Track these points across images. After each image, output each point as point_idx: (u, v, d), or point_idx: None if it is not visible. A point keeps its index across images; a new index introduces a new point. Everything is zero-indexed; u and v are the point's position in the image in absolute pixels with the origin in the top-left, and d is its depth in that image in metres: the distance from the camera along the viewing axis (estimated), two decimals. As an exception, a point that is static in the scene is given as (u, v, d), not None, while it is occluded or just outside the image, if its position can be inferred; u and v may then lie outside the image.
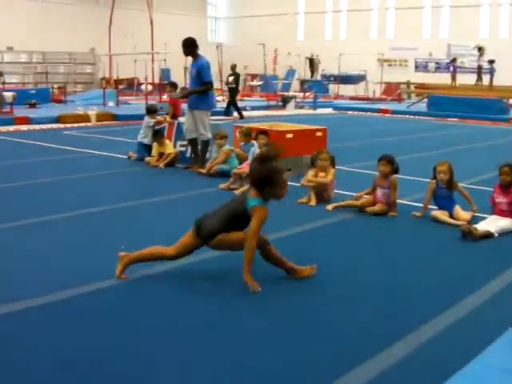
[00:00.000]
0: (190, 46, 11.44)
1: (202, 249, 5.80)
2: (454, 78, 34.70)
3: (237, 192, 9.46)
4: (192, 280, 5.67)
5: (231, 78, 26.01)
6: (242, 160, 10.89)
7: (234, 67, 26.59)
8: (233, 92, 25.69)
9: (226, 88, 27.62)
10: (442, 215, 7.97)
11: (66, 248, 6.69)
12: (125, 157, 13.25)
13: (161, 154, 12.37)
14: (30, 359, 4.14)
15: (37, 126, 20.12)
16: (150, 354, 4.22)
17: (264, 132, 10.77)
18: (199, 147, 11.80)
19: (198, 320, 4.82)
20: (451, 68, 35.76)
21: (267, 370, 4.04)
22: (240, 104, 26.34)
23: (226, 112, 24.47)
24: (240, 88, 29.74)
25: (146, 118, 13.35)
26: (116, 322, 4.77)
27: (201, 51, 11.63)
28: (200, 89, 11.44)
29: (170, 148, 12.44)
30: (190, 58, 11.77)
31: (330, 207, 8.56)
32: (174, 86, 16.20)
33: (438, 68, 42.91)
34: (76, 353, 4.24)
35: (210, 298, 5.27)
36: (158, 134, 12.64)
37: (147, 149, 12.96)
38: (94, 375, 3.95)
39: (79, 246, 6.78)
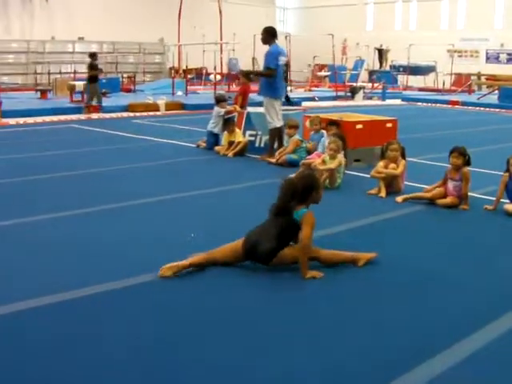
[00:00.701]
0: (264, 34, 11.58)
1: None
2: (526, 70, 33.98)
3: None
4: (244, 274, 5.68)
5: None
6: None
7: None
8: None
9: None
10: (515, 209, 7.86)
11: (128, 237, 6.74)
12: (193, 145, 13.37)
13: (230, 143, 12.45)
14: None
15: (107, 115, 20.46)
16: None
17: (334, 122, 10.75)
18: (276, 136, 11.71)
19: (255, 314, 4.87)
20: (524, 59, 35.05)
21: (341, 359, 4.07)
22: (308, 94, 26.06)
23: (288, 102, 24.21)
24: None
25: (216, 108, 13.43)
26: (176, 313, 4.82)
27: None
28: (260, 71, 11.58)
29: (239, 137, 12.51)
30: (258, 49, 11.87)
31: (399, 199, 8.50)
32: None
33: (510, 59, 42.01)
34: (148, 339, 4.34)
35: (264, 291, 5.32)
36: (228, 123, 12.73)
37: (216, 138, 13.07)
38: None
39: (143, 234, 6.83)
